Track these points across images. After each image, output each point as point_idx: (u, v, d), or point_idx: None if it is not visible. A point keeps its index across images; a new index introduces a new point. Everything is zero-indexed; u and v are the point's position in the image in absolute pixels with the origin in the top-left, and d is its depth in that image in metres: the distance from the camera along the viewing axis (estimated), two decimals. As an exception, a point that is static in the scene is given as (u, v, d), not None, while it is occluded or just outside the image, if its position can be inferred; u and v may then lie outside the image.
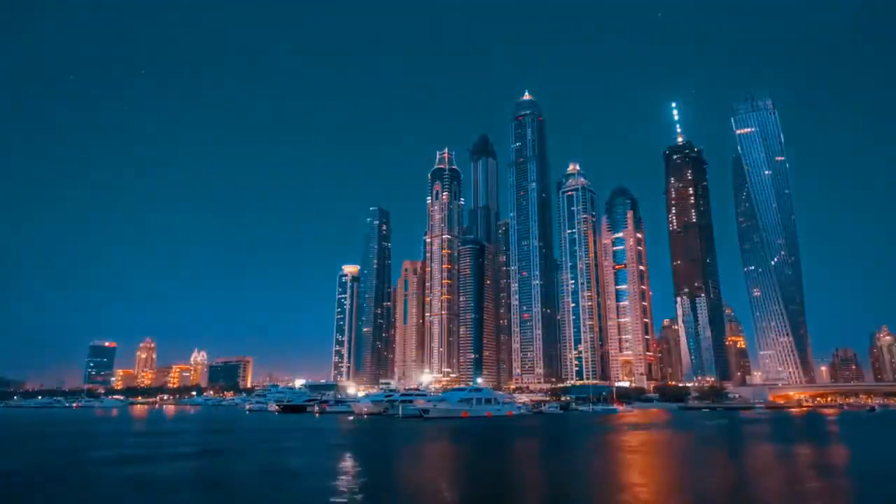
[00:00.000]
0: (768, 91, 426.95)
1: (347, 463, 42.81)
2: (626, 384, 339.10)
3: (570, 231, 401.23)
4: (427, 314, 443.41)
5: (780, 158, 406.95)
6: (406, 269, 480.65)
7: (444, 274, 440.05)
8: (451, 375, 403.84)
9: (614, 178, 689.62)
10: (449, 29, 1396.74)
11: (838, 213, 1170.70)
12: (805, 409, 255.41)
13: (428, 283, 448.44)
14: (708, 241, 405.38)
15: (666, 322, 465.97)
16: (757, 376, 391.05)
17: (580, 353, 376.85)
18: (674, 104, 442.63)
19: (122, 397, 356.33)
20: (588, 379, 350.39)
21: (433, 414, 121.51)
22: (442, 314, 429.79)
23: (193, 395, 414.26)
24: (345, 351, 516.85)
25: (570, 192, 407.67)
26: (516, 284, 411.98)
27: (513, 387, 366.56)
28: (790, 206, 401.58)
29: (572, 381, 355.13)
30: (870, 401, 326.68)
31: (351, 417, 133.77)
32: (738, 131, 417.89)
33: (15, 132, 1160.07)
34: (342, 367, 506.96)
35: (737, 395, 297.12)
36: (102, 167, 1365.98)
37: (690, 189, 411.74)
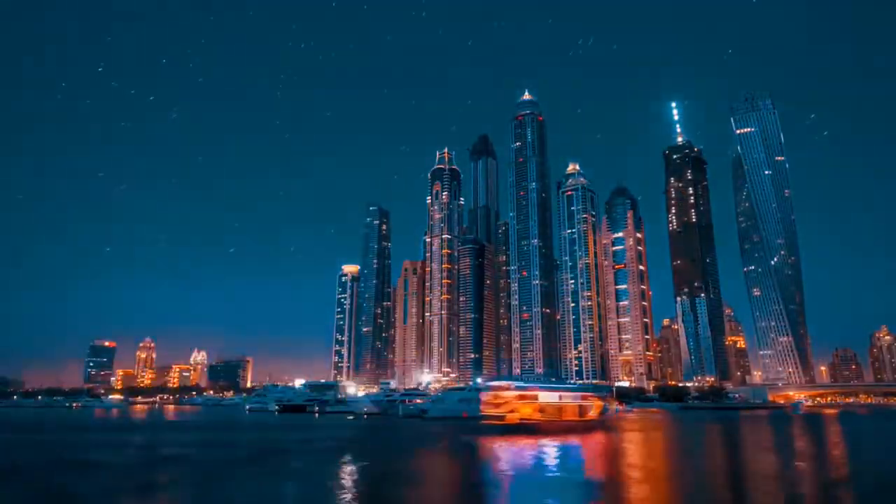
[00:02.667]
0: (768, 91, 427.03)
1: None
2: (626, 384, 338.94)
3: (569, 231, 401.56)
4: (427, 314, 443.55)
5: (780, 158, 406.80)
6: (406, 269, 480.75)
7: (444, 274, 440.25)
8: (451, 375, 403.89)
9: (614, 178, 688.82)
10: (449, 29, 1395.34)
11: (838, 213, 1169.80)
12: (805, 409, 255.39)
13: (428, 283, 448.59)
14: (708, 241, 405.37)
15: (666, 322, 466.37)
16: (757, 376, 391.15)
17: (580, 353, 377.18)
18: (674, 104, 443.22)
19: (121, 397, 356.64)
20: (588, 379, 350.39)
21: (433, 414, 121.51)
22: (442, 314, 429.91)
23: (193, 395, 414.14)
24: (345, 351, 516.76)
25: (569, 192, 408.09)
26: (516, 284, 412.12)
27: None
28: (790, 206, 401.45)
29: (572, 381, 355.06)
30: (869, 400, 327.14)
31: (351, 417, 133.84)
32: (738, 131, 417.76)
33: (12, 130, 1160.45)
34: (342, 367, 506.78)
35: (737, 395, 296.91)
36: (103, 167, 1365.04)
37: (690, 189, 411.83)
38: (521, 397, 77.30)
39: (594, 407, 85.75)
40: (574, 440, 57.62)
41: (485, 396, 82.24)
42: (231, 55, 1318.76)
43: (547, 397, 79.07)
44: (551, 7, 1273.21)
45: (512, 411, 74.20)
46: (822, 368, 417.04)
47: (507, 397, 77.46)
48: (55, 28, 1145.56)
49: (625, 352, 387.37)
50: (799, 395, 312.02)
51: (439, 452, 51.61)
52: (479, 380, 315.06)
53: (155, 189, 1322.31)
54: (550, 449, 49.00)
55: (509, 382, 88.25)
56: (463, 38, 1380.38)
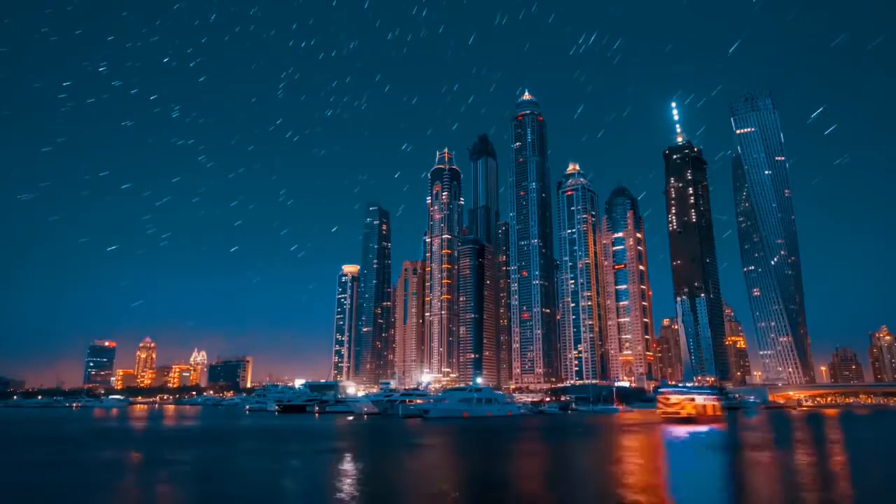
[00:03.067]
0: (768, 91, 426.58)
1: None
2: (626, 384, 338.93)
3: (569, 231, 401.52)
4: (427, 314, 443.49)
5: (780, 158, 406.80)
6: (406, 269, 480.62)
7: (444, 274, 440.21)
8: (451, 375, 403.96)
9: (614, 178, 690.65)
10: (450, 27, 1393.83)
11: (838, 214, 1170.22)
12: (805, 409, 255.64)
13: (428, 283, 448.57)
14: (708, 241, 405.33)
15: (666, 322, 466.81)
16: (757, 376, 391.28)
17: (580, 353, 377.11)
18: (674, 104, 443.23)
19: (121, 397, 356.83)
20: (588, 379, 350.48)
21: (434, 414, 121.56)
22: (442, 314, 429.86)
23: (193, 395, 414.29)
24: (345, 351, 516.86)
25: (569, 192, 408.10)
26: (516, 284, 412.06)
27: (513, 387, 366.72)
28: (790, 206, 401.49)
29: (572, 381, 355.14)
30: (869, 401, 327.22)
31: (351, 417, 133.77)
32: (738, 131, 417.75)
33: (16, 131, 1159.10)
34: (342, 366, 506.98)
35: (737, 396, 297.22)
36: (106, 167, 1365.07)
37: (690, 189, 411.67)
38: (683, 399, 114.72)
39: (718, 406, 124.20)
40: (715, 425, 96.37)
41: (660, 398, 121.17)
42: (232, 54, 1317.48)
43: (699, 399, 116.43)
44: (552, 6, 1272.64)
45: (682, 408, 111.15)
46: (823, 368, 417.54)
47: (676, 399, 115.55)
48: (58, 28, 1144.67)
49: (625, 352, 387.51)
50: (799, 395, 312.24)
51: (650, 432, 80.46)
52: (479, 380, 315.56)
53: (156, 188, 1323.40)
54: (704, 428, 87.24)
55: (674, 390, 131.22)
56: (464, 37, 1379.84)
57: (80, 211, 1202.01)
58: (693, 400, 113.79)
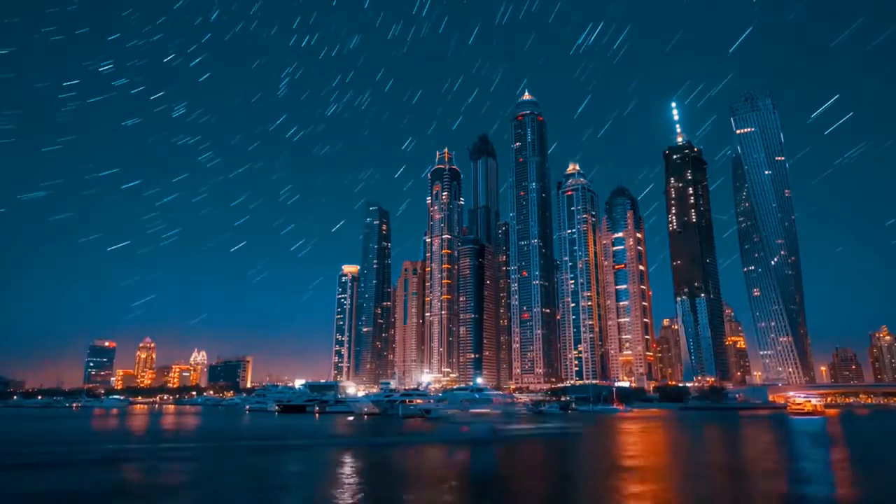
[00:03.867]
0: (768, 91, 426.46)
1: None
2: (626, 384, 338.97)
3: (569, 231, 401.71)
4: (427, 314, 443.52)
5: (780, 158, 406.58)
6: (406, 269, 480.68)
7: (444, 274, 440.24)
8: (451, 375, 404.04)
9: (614, 178, 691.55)
10: (450, 26, 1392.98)
11: (838, 214, 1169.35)
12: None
13: (428, 283, 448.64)
14: (708, 241, 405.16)
15: (666, 322, 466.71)
16: (757, 376, 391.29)
17: (580, 353, 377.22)
18: (674, 104, 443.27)
19: (121, 397, 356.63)
20: (588, 379, 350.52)
21: (436, 414, 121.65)
22: (442, 314, 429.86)
23: (193, 395, 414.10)
24: (345, 351, 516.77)
25: (570, 192, 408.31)
26: (516, 284, 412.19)
27: (513, 387, 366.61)
28: (790, 207, 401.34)
29: (572, 381, 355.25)
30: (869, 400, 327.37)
31: (351, 418, 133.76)
32: (738, 131, 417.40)
33: (20, 132, 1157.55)
34: (342, 367, 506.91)
35: (737, 396, 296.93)
36: (104, 167, 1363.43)
37: (690, 189, 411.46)
38: (804, 400, 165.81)
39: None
40: (822, 416, 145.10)
41: (789, 400, 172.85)
42: (234, 52, 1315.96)
43: (814, 400, 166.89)
44: (553, 4, 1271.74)
45: (804, 406, 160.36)
46: (822, 368, 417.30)
47: (800, 400, 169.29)
48: (61, 28, 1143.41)
49: (625, 352, 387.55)
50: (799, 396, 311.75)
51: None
52: (479, 380, 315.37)
53: (159, 187, 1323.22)
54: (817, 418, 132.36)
55: (797, 392, 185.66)
56: (465, 35, 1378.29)
57: (82, 210, 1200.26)
58: (810, 401, 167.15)
